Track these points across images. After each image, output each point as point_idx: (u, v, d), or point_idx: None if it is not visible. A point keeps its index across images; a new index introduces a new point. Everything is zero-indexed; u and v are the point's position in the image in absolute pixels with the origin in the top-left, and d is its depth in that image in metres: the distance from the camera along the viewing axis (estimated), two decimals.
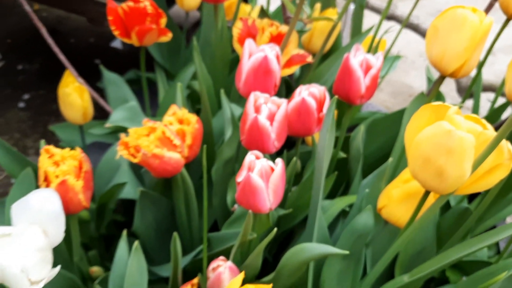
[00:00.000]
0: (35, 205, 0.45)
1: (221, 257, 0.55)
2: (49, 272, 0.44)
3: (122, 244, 0.62)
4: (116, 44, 1.02)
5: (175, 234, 0.56)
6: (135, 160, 0.54)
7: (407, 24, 1.22)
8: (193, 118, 0.63)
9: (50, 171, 0.52)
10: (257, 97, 0.55)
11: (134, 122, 0.74)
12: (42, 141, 0.63)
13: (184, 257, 0.70)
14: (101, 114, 0.98)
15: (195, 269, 0.66)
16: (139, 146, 0.53)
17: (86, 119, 0.79)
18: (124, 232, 0.61)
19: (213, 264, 0.55)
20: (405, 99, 1.52)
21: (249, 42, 0.60)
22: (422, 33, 1.21)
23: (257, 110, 0.55)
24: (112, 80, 1.01)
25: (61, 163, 0.53)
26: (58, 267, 0.44)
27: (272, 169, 0.50)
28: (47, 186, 0.53)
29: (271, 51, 0.58)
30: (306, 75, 0.77)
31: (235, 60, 0.89)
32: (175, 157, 0.54)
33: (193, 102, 1.05)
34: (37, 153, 1.23)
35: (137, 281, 0.53)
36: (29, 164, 0.76)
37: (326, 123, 0.53)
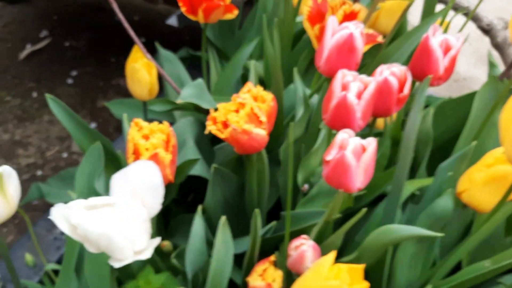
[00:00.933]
0: (136, 176, 0.45)
1: (304, 236, 0.55)
2: (147, 242, 0.44)
3: (198, 220, 0.62)
4: (172, 21, 1.02)
5: (257, 210, 0.56)
6: (222, 136, 0.54)
7: (452, 7, 1.19)
8: (268, 96, 0.63)
9: (141, 144, 0.52)
10: (344, 75, 0.54)
11: (201, 99, 0.74)
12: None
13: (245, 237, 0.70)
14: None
15: (266, 247, 0.66)
16: (229, 121, 0.52)
17: (152, 95, 0.79)
18: (200, 208, 0.61)
19: (295, 242, 0.55)
20: (450, 84, 1.49)
21: (332, 19, 0.58)
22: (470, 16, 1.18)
23: (344, 88, 0.54)
24: (167, 58, 1.01)
25: (151, 136, 0.53)
26: (159, 238, 0.45)
27: (364, 149, 0.50)
28: (136, 158, 0.53)
29: (355, 28, 0.57)
30: (374, 55, 0.76)
31: (296, 38, 0.88)
32: (261, 133, 0.54)
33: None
34: None
35: (223, 257, 0.53)
36: (99, 138, 0.76)
37: (418, 103, 0.52)
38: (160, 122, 0.60)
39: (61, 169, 1.18)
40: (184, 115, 0.98)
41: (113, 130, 1.25)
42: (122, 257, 0.42)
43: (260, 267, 0.59)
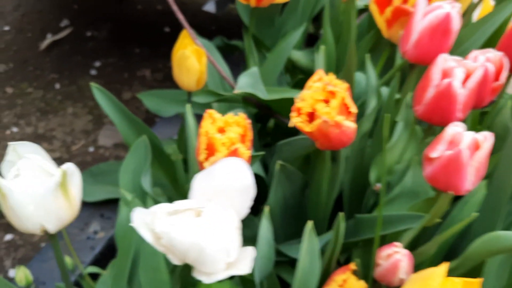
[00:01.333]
0: (225, 176, 0.38)
1: (396, 243, 0.48)
2: (237, 251, 0.37)
3: (265, 223, 0.55)
4: (209, 7, 0.95)
5: (341, 214, 0.49)
6: (307, 129, 0.47)
7: None
8: (341, 84, 0.56)
9: (217, 138, 0.45)
10: (445, 60, 0.47)
11: (257, 89, 0.67)
12: (188, 106, 0.55)
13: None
14: None
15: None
16: (318, 112, 0.45)
17: (200, 85, 0.72)
18: (267, 210, 0.54)
19: (387, 250, 0.48)
20: None
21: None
22: None
23: (445, 75, 0.47)
24: (206, 46, 0.94)
25: (226, 129, 0.46)
26: (252, 249, 0.38)
27: (477, 145, 0.43)
28: (210, 155, 0.46)
29: (451, 7, 0.50)
30: None
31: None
32: (352, 126, 0.47)
33: (291, 74, 0.97)
34: (112, 123, 1.17)
35: (308, 268, 0.46)
36: (145, 131, 0.69)
37: None
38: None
39: (88, 164, 1.11)
40: (225, 107, 0.91)
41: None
42: (213, 270, 0.36)
43: (339, 277, 0.52)
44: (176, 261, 0.37)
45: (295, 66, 0.96)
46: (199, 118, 1.02)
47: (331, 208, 0.62)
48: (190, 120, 0.55)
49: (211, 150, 0.46)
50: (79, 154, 1.13)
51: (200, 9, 1.04)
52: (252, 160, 0.61)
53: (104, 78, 1.27)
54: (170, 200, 0.80)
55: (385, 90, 0.64)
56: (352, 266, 0.53)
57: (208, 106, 0.94)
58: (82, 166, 1.11)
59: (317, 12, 1.02)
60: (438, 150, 0.43)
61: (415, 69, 0.54)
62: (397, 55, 0.63)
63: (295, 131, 0.80)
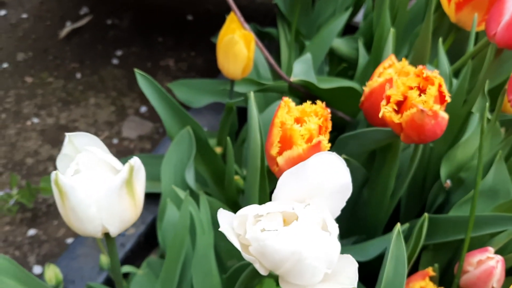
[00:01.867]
0: (320, 174, 0.32)
1: (489, 248, 0.43)
2: (334, 262, 0.31)
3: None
4: None
5: (426, 215, 0.44)
6: (397, 119, 0.41)
7: None
8: (414, 71, 0.49)
9: (295, 129, 0.39)
10: None
11: (309, 76, 0.61)
12: (251, 93, 0.49)
13: (370, 241, 0.57)
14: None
15: None
16: (412, 101, 0.39)
17: (246, 73, 0.66)
18: (398, 227, 0.48)
19: (478, 256, 0.42)
20: None
21: None
22: None
23: None
24: None
25: (304, 120, 0.40)
26: (353, 259, 0.32)
27: None
28: (285, 148, 0.40)
29: None
30: None
31: None
32: (446, 117, 0.41)
33: (332, 64, 0.91)
34: (137, 114, 1.12)
35: (392, 276, 0.40)
36: (190, 122, 0.63)
37: None
38: None
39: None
40: (258, 97, 0.85)
41: None
42: (309, 283, 0.30)
43: (416, 284, 0.46)
44: (263, 271, 0.31)
45: (334, 54, 0.90)
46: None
47: (394, 207, 0.57)
48: (253, 109, 0.49)
49: (285, 143, 0.40)
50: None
51: None
52: None
53: (126, 67, 1.21)
54: (210, 197, 0.74)
55: (454, 81, 0.58)
56: (430, 271, 0.47)
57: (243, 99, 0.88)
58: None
59: None
60: None
61: (500, 54, 0.49)
62: (468, 41, 0.57)
63: (342, 122, 0.74)
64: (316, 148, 0.39)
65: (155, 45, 1.26)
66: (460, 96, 0.56)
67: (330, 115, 0.41)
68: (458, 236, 0.47)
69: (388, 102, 0.42)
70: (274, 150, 0.40)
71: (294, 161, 0.39)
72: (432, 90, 0.39)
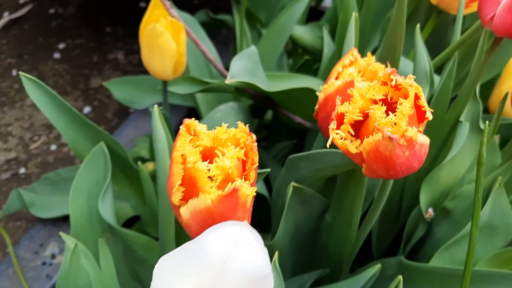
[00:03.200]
0: (220, 262, 0.18)
1: None
2: None
3: (274, 272, 0.35)
4: None
5: (400, 278, 0.30)
6: (354, 148, 0.26)
7: None
8: (383, 70, 0.35)
9: (201, 169, 0.25)
10: None
11: (256, 77, 0.47)
12: (155, 107, 0.35)
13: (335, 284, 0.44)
14: None
15: None
16: (377, 123, 0.25)
17: (178, 71, 0.51)
18: (275, 257, 0.34)
19: None
20: None
21: None
22: None
23: None
24: (186, 22, 0.72)
25: (218, 152, 0.25)
26: None
27: None
28: (190, 194, 0.25)
29: None
30: None
31: None
32: (426, 142, 0.27)
33: (296, 56, 0.77)
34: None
35: None
36: (102, 136, 0.48)
37: None
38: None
39: (50, 166, 0.90)
40: (210, 96, 0.70)
41: (112, 116, 0.97)
42: None
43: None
44: None
45: (296, 44, 0.75)
46: (180, 112, 0.81)
47: (362, 243, 0.43)
48: (159, 129, 0.34)
49: (191, 187, 0.26)
50: (39, 154, 0.91)
51: None
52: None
53: (70, 62, 1.05)
54: (141, 220, 0.60)
55: (435, 78, 0.44)
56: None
57: (190, 97, 0.73)
58: (43, 168, 0.90)
59: None
60: None
61: (497, 46, 0.35)
62: (452, 27, 0.43)
63: (301, 128, 0.61)
64: (230, 199, 0.24)
65: (103, 36, 1.10)
66: (444, 98, 0.42)
67: (255, 144, 0.27)
68: None
69: (340, 123, 0.27)
70: (175, 197, 0.26)
71: (203, 217, 0.25)
72: (405, 107, 0.25)
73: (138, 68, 1.03)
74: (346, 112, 0.27)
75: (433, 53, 0.48)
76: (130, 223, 0.67)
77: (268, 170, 0.39)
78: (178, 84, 0.56)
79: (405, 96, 0.26)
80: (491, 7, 0.32)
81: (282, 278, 0.35)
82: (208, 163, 0.25)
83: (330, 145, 0.27)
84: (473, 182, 0.38)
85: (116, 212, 0.64)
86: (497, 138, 0.46)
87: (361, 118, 0.26)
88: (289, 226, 0.43)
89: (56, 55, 1.04)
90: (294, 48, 0.77)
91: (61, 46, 1.07)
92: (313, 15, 0.94)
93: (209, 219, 0.25)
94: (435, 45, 0.49)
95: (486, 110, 0.55)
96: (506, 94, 0.34)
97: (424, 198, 0.40)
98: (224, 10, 1.02)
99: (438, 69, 0.48)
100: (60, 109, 0.44)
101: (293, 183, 0.37)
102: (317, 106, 0.38)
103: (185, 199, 0.26)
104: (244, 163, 0.27)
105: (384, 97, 0.27)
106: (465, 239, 0.36)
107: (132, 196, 0.53)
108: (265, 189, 0.49)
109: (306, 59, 0.66)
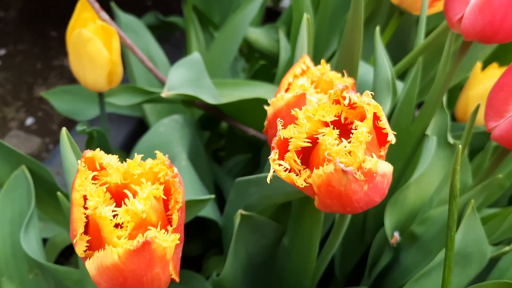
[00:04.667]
0: None
1: None
2: None
3: None
4: None
5: None
6: (301, 181, 0.21)
7: None
8: (339, 80, 0.31)
9: (105, 216, 0.19)
10: None
11: (202, 88, 0.41)
12: (63, 130, 0.29)
13: None
14: None
15: None
16: (328, 151, 0.20)
17: (113, 82, 0.45)
18: None
19: None
20: None
21: None
22: None
23: None
24: (129, 25, 0.66)
25: (129, 192, 0.20)
26: None
27: None
28: (95, 245, 0.20)
29: None
30: None
31: None
32: (389, 171, 0.22)
33: (248, 59, 0.72)
34: (21, 127, 0.89)
35: None
36: (22, 160, 0.42)
37: None
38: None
39: None
40: (160, 106, 0.64)
41: (58, 128, 0.90)
42: None
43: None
44: None
45: (252, 48, 0.70)
46: (129, 124, 0.75)
47: (321, 273, 0.38)
48: (69, 157, 0.28)
49: (97, 235, 0.20)
50: None
51: None
52: (197, 207, 0.36)
53: (12, 69, 0.97)
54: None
55: (399, 85, 0.39)
56: None
57: (138, 107, 0.67)
58: None
59: None
60: None
61: (466, 50, 0.30)
62: (415, 28, 0.39)
63: (258, 144, 0.56)
64: (142, 254, 0.19)
65: (48, 41, 1.03)
66: (409, 108, 0.37)
67: (177, 180, 0.21)
68: None
69: (284, 151, 0.22)
70: (79, 248, 0.20)
71: (111, 274, 0.20)
72: (362, 132, 0.20)
73: None
74: (291, 138, 0.22)
75: (395, 57, 0.43)
76: (71, 250, 0.60)
77: (212, 196, 0.33)
78: (117, 95, 0.50)
79: (362, 117, 0.21)
80: (459, 8, 0.28)
81: None
82: (116, 206, 0.19)
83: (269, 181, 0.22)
84: (444, 204, 0.34)
85: (53, 240, 0.57)
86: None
87: (309, 144, 0.21)
88: (241, 257, 0.38)
89: None
90: (250, 52, 0.72)
91: (2, 52, 0.99)
92: (271, 16, 0.89)
93: (119, 277, 0.20)
94: (397, 49, 0.45)
95: (453, 117, 0.51)
96: (478, 106, 0.29)
97: (389, 221, 0.35)
98: (177, 11, 0.96)
99: (402, 75, 0.44)
100: None
101: (240, 211, 0.32)
102: (266, 122, 0.33)
103: (91, 248, 0.21)
104: (166, 202, 0.21)
105: (337, 118, 0.22)
106: (437, 270, 0.31)
107: (65, 224, 0.47)
108: (216, 212, 0.43)
109: (262, 64, 0.61)
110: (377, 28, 0.35)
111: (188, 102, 0.50)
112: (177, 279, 0.25)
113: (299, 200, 0.33)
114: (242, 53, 0.73)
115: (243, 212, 0.32)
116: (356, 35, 0.32)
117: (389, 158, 0.40)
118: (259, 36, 0.67)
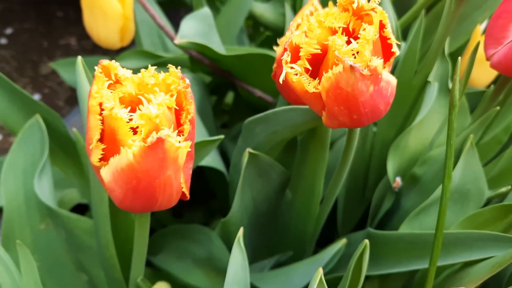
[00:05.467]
0: None
1: None
2: None
3: (238, 257, 0.31)
4: None
5: (366, 243, 0.27)
6: (312, 87, 0.23)
7: None
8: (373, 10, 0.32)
9: (121, 117, 0.21)
10: None
11: (210, 41, 0.43)
12: (79, 58, 0.31)
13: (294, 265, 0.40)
14: None
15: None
16: (338, 52, 0.21)
17: (125, 39, 0.47)
18: (240, 233, 0.31)
19: None
20: None
21: None
22: None
23: None
24: None
25: (143, 99, 0.21)
26: None
27: None
28: (110, 151, 0.21)
29: None
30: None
31: None
32: (393, 81, 0.24)
33: (257, 35, 0.73)
34: None
35: None
36: (38, 109, 0.44)
37: None
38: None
39: None
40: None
41: (63, 104, 0.91)
42: None
43: None
44: None
45: (257, 24, 0.72)
46: None
47: (325, 218, 0.40)
48: (84, 83, 0.30)
49: (112, 143, 0.22)
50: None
51: None
52: (205, 149, 0.37)
53: (18, 47, 0.99)
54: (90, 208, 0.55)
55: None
56: None
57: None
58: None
59: None
60: None
61: (463, 3, 0.32)
62: None
63: (264, 106, 0.57)
64: (156, 152, 0.20)
65: (53, 20, 1.05)
66: (411, 61, 0.39)
67: (189, 90, 0.23)
68: (416, 264, 0.31)
69: (295, 58, 0.24)
70: (94, 156, 0.22)
71: (126, 177, 0.22)
72: (369, 32, 0.22)
73: (92, 53, 0.98)
74: (302, 44, 0.23)
75: (400, 15, 0.45)
76: (79, 209, 0.62)
77: (221, 136, 0.35)
78: (127, 58, 0.52)
79: (369, 22, 0.23)
80: None
81: (247, 259, 0.31)
82: (132, 113, 0.21)
83: (282, 83, 0.24)
84: (443, 145, 0.35)
85: (62, 199, 0.59)
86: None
87: (319, 52, 0.23)
88: (247, 201, 0.40)
89: (3, 41, 0.98)
90: (256, 27, 0.74)
91: (8, 31, 1.01)
92: None
93: (133, 179, 0.21)
94: (402, 7, 0.47)
95: None
96: (478, 44, 0.31)
97: (391, 166, 0.37)
98: None
99: (404, 34, 0.45)
100: None
101: (248, 149, 0.34)
102: (275, 65, 0.34)
103: (106, 158, 0.22)
104: (178, 114, 0.23)
105: (345, 26, 0.23)
106: (435, 205, 0.33)
107: (77, 178, 0.48)
108: (222, 166, 0.45)
109: (268, 35, 0.63)
110: None
111: (197, 64, 0.51)
112: (188, 195, 0.26)
113: (304, 139, 0.35)
114: (248, 31, 0.75)
115: (251, 150, 0.34)
116: None
117: (392, 110, 0.42)
118: (265, 10, 0.69)
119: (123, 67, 0.52)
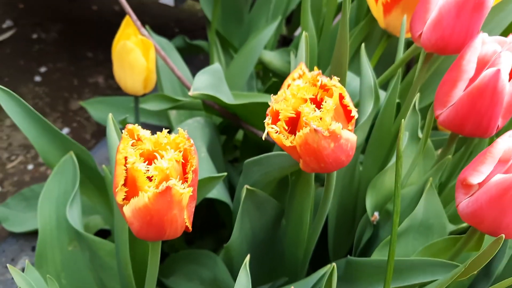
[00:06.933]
0: None
1: None
2: None
3: (243, 274, 0.37)
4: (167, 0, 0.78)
5: (334, 265, 0.33)
6: (287, 142, 0.30)
7: None
8: (334, 85, 0.40)
9: (140, 170, 0.28)
10: (484, 42, 0.32)
11: (220, 91, 0.51)
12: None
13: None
14: None
15: None
16: (306, 118, 0.29)
17: (148, 87, 0.55)
18: (247, 260, 0.37)
19: None
20: None
21: None
22: None
23: (483, 65, 0.32)
24: (161, 45, 0.77)
25: (157, 154, 0.29)
26: None
27: None
28: (131, 195, 0.29)
29: None
30: None
31: None
32: (353, 139, 0.31)
33: (263, 79, 0.81)
34: None
35: None
36: (71, 146, 0.52)
37: None
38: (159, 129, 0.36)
39: (25, 184, 0.92)
40: (184, 116, 0.74)
41: (90, 137, 1.00)
42: None
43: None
44: None
45: (267, 69, 0.80)
46: (156, 132, 0.86)
47: (314, 245, 0.46)
48: (113, 136, 0.38)
49: (133, 188, 0.29)
50: (15, 173, 0.94)
51: (161, 9, 0.88)
52: (211, 184, 0.45)
53: (50, 85, 1.09)
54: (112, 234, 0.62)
55: (381, 94, 0.48)
56: None
57: (163, 114, 0.77)
58: (18, 187, 0.92)
59: (292, 9, 0.87)
60: (484, 172, 0.27)
61: (430, 61, 0.39)
62: (396, 48, 0.48)
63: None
64: (165, 197, 0.28)
65: (83, 60, 1.15)
66: (390, 111, 0.46)
67: (193, 148, 0.31)
68: (380, 285, 0.37)
69: (276, 120, 0.31)
70: (119, 196, 0.30)
71: (142, 214, 0.29)
72: (329, 104, 0.29)
73: (117, 92, 1.08)
74: (281, 110, 0.31)
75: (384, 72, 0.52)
76: (102, 234, 0.69)
77: (224, 174, 0.42)
78: (150, 101, 0.60)
79: (329, 95, 0.30)
80: (419, 26, 0.37)
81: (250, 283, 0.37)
82: (149, 165, 0.29)
83: (264, 140, 0.31)
84: (410, 185, 0.42)
85: (87, 224, 0.66)
86: (438, 152, 0.50)
87: (294, 115, 0.31)
88: (246, 230, 0.46)
89: (37, 78, 1.08)
90: (265, 73, 0.82)
91: (42, 69, 1.10)
92: (285, 43, 1.00)
93: (147, 216, 0.29)
94: (386, 66, 0.54)
95: (436, 129, 0.59)
96: (432, 103, 0.38)
97: (369, 202, 0.44)
98: (201, 37, 1.07)
99: (385, 87, 0.52)
100: (29, 117, 0.47)
101: (246, 186, 0.41)
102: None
103: (128, 198, 0.30)
104: (184, 166, 0.31)
105: (314, 97, 0.31)
106: (403, 236, 0.39)
107: (101, 207, 0.56)
108: (227, 198, 0.52)
109: (274, 81, 0.71)
110: (363, 45, 0.45)
111: (208, 107, 0.59)
112: (190, 228, 0.33)
113: (293, 179, 0.42)
114: (258, 76, 0.83)
115: (248, 186, 0.41)
116: (343, 49, 0.41)
117: (374, 153, 0.48)
118: (273, 58, 0.77)
119: (147, 108, 0.60)
